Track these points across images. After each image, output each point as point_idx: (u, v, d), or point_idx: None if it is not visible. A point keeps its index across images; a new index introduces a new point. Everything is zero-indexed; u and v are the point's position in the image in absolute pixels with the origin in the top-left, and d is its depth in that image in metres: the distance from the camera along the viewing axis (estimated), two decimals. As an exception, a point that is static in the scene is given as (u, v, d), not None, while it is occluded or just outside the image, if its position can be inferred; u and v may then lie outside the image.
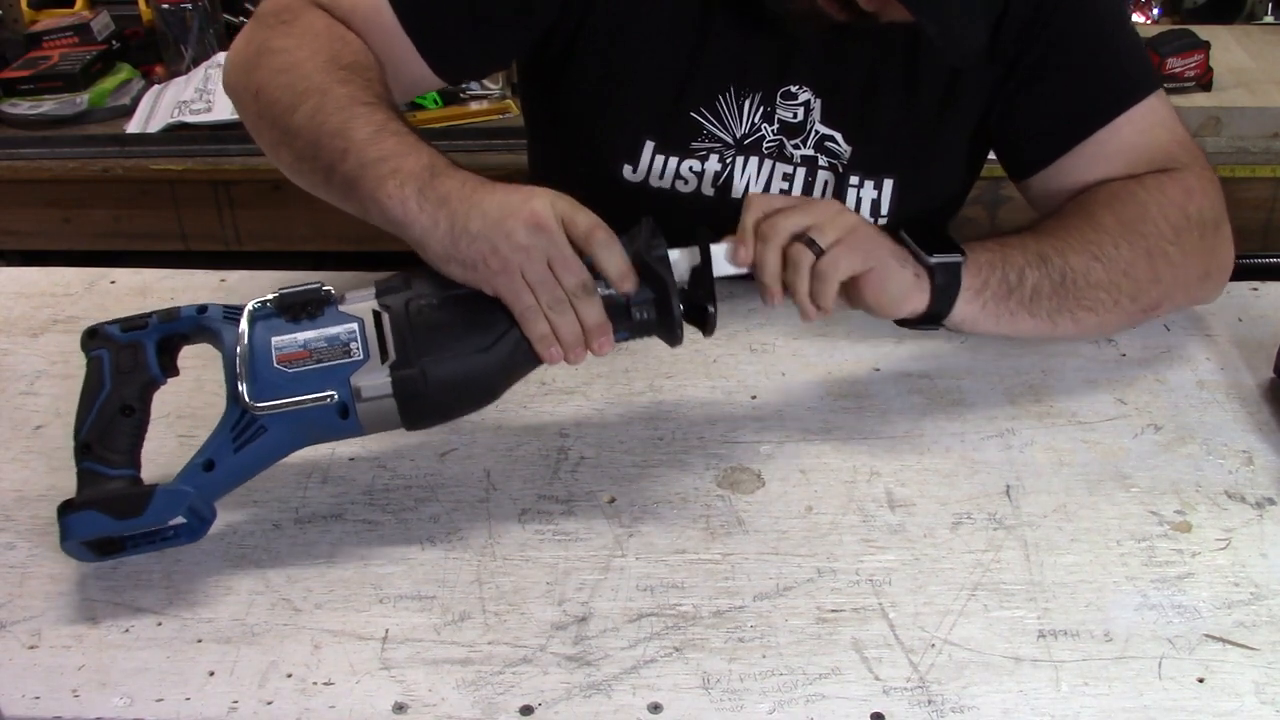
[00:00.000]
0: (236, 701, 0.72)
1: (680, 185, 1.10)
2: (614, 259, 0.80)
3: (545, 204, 0.79)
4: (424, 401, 0.80)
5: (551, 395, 0.99)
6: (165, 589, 0.80)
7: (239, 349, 0.79)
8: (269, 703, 0.72)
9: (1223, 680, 0.73)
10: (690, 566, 0.82)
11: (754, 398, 0.98)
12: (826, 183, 1.10)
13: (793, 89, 1.07)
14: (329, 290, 0.81)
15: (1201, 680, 0.73)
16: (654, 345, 1.02)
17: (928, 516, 0.86)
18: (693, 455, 0.92)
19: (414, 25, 0.99)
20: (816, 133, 1.08)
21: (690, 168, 1.09)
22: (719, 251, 0.86)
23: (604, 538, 0.84)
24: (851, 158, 1.09)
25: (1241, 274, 1.11)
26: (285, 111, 0.89)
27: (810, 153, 1.09)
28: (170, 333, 0.83)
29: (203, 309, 0.82)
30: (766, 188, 1.10)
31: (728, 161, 1.09)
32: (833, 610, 0.78)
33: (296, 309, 0.80)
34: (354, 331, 0.80)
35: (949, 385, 1.00)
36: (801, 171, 1.09)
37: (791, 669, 0.74)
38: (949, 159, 1.11)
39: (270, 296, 0.81)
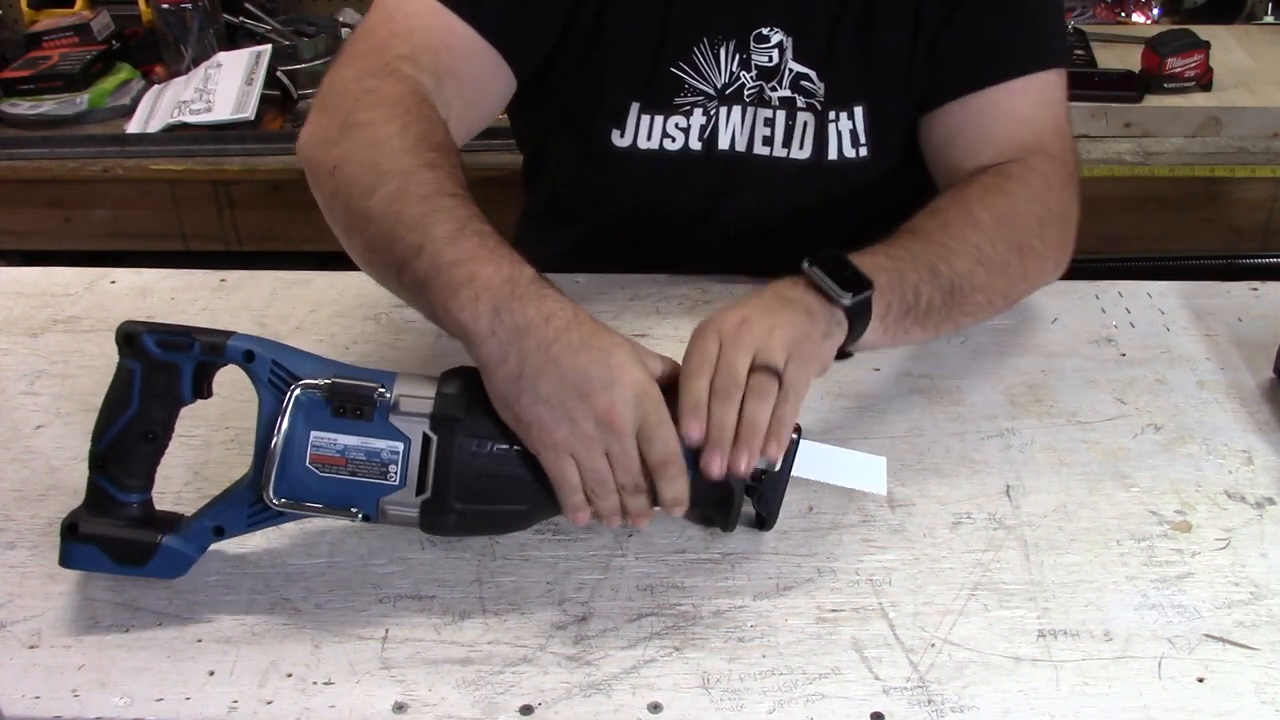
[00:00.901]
0: (236, 701, 0.72)
1: (668, 143, 1.11)
2: (674, 492, 0.76)
3: (627, 401, 0.74)
4: (445, 532, 0.79)
5: (551, 395, 0.99)
6: (165, 589, 0.80)
7: (275, 434, 0.75)
8: (269, 702, 0.72)
9: (1223, 680, 0.73)
10: (690, 566, 0.82)
11: (754, 398, 0.98)
12: (806, 124, 1.10)
13: (765, 31, 1.08)
14: (384, 393, 0.75)
15: (1201, 680, 0.73)
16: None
17: (928, 516, 0.86)
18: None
19: (486, 26, 0.99)
20: (791, 71, 1.09)
21: (676, 124, 1.10)
22: (809, 451, 0.81)
23: (604, 537, 0.84)
24: (826, 94, 1.09)
25: (1241, 274, 1.11)
26: (363, 193, 0.83)
27: (787, 94, 1.10)
28: (210, 362, 0.77)
29: (250, 356, 0.75)
30: (751, 135, 1.11)
31: (711, 113, 1.10)
32: (833, 610, 0.78)
33: (346, 406, 0.75)
34: (397, 454, 0.75)
35: (949, 385, 1.00)
36: (781, 115, 1.10)
37: (791, 669, 0.74)
38: (919, 90, 1.10)
39: (323, 382, 0.75)
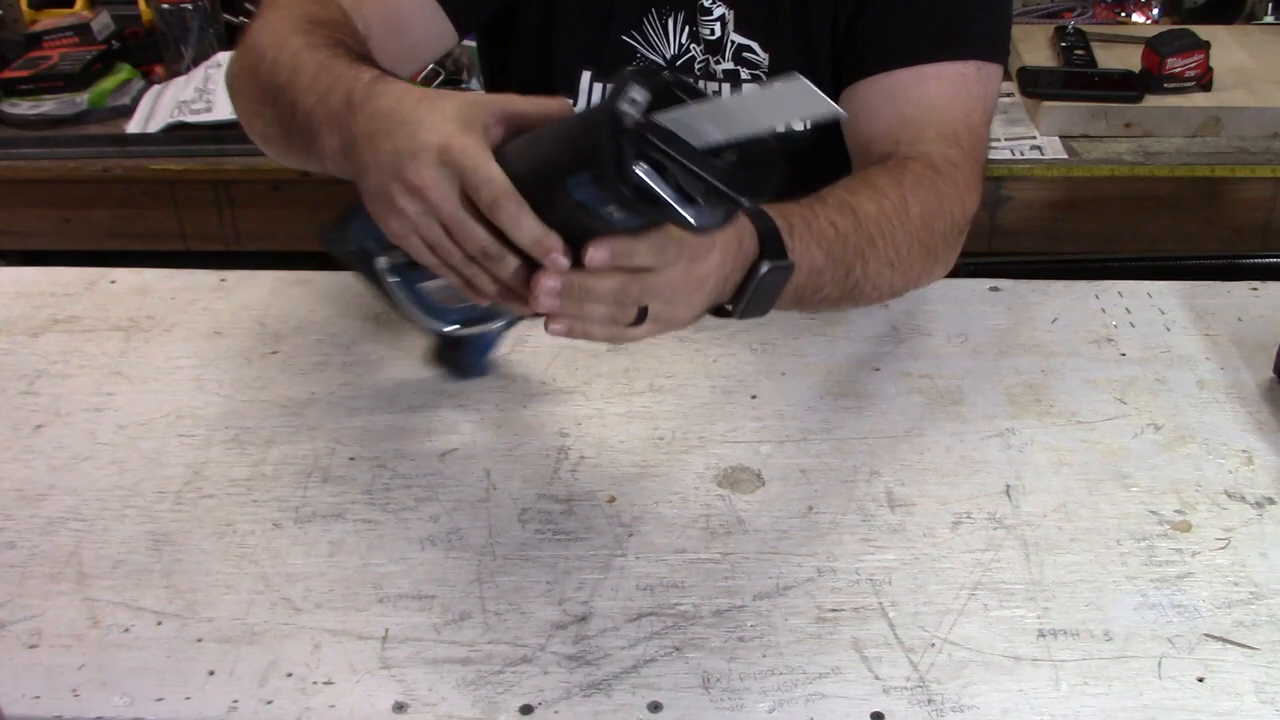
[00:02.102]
0: (236, 701, 0.72)
1: None
2: (525, 233, 0.67)
3: (431, 165, 0.67)
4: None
5: (551, 395, 0.99)
6: (165, 589, 0.80)
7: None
8: (269, 702, 0.72)
9: (1223, 680, 0.73)
10: (690, 566, 0.82)
11: (754, 397, 0.98)
12: None
13: (706, 3, 1.09)
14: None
15: (1201, 680, 0.73)
16: (655, 346, 1.03)
17: (928, 516, 0.86)
18: (693, 455, 0.92)
19: None
20: (733, 43, 1.10)
21: None
22: (713, 110, 0.60)
23: (604, 537, 0.84)
24: (771, 65, 1.10)
25: (1241, 274, 1.11)
26: (251, 76, 0.87)
27: (731, 66, 1.11)
28: None
29: None
30: None
31: None
32: (833, 610, 0.78)
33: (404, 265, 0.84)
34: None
35: (949, 385, 1.00)
36: (725, 88, 1.11)
37: (791, 668, 0.74)
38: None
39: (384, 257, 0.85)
